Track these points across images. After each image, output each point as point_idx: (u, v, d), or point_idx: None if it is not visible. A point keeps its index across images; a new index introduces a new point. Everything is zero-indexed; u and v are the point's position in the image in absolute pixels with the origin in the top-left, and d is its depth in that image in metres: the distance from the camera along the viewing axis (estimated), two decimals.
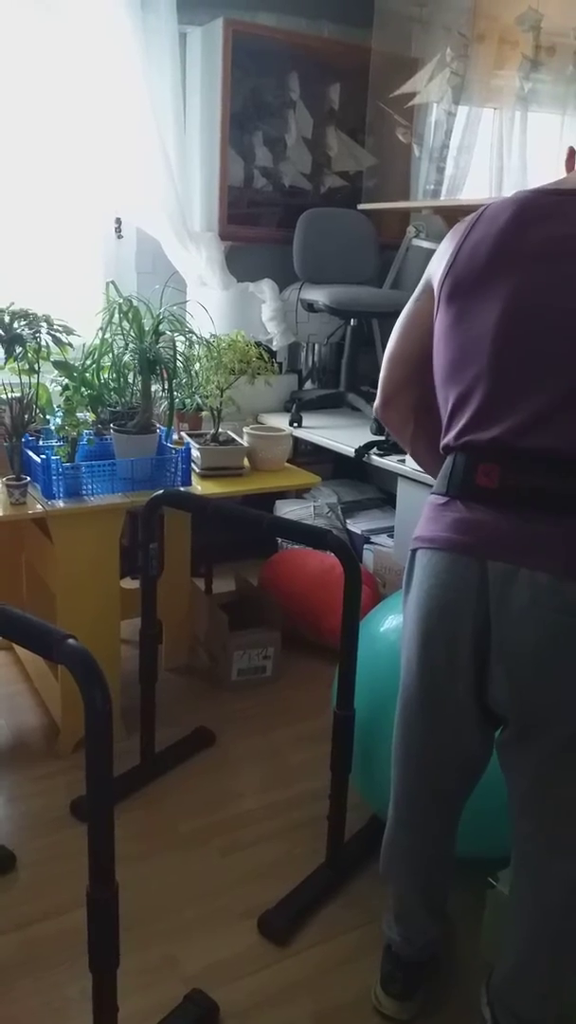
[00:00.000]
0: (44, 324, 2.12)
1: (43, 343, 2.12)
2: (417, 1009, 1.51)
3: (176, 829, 1.98)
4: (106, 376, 2.27)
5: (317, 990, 1.57)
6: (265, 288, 3.27)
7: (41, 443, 2.24)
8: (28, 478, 2.11)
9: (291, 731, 2.39)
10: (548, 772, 1.23)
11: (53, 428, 2.21)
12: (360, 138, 3.49)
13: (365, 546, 3.04)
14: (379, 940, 1.58)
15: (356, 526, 3.14)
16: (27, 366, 2.13)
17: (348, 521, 3.19)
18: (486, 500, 1.20)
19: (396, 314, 1.44)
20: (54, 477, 2.07)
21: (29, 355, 2.12)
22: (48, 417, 2.32)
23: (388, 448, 2.70)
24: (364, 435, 2.87)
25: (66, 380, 2.23)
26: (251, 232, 3.32)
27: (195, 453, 2.40)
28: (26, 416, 2.12)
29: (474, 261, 1.23)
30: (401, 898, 1.50)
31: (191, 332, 2.32)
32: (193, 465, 2.38)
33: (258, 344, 2.52)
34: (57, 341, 2.12)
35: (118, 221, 3.20)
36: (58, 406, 2.25)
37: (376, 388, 1.49)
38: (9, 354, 2.09)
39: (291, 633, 2.74)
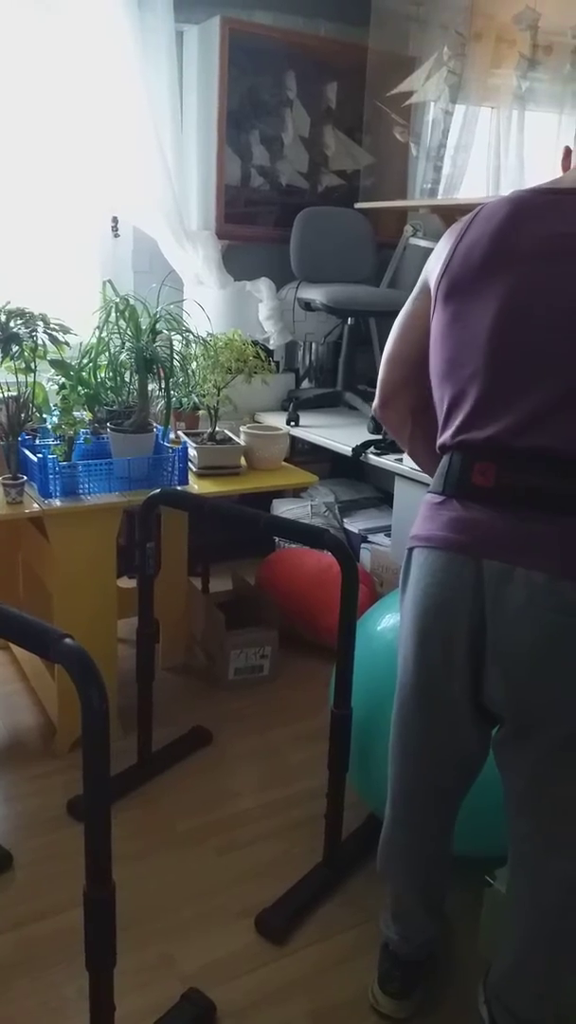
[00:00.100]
0: (40, 323, 2.11)
1: (40, 342, 2.11)
2: (414, 1008, 1.51)
3: (173, 828, 1.98)
4: (103, 375, 2.27)
5: (314, 989, 1.57)
6: (262, 287, 3.27)
7: (38, 442, 2.23)
8: (25, 477, 2.10)
9: (288, 730, 2.39)
10: (545, 771, 1.23)
11: (50, 427, 2.20)
12: (357, 137, 3.49)
13: (362, 545, 3.04)
14: (376, 939, 1.58)
15: (353, 525, 3.14)
16: (23, 365, 2.13)
17: (345, 520, 3.19)
18: (482, 499, 1.20)
19: (393, 313, 1.44)
20: (51, 476, 2.07)
21: (25, 354, 2.11)
22: (45, 416, 2.31)
23: (385, 447, 2.70)
24: (361, 434, 2.87)
25: (63, 379, 2.22)
26: (248, 231, 3.32)
27: (192, 452, 2.40)
28: (23, 415, 2.12)
29: (470, 261, 1.23)
30: (399, 897, 1.50)
31: (188, 331, 2.31)
32: (190, 464, 2.38)
33: (255, 343, 2.51)
34: (54, 340, 2.12)
35: (115, 220, 3.19)
36: (55, 405, 2.25)
37: (373, 387, 1.49)
38: (5, 353, 2.08)
39: (288, 632, 2.74)
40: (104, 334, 2.19)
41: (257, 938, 1.67)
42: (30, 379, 2.16)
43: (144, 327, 2.16)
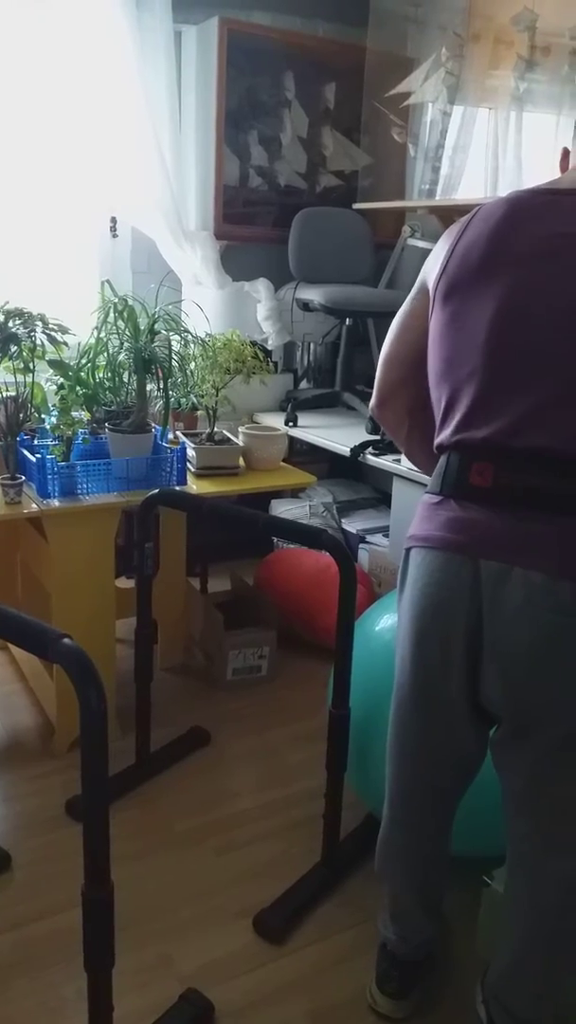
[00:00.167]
0: (39, 323, 2.12)
1: (38, 342, 2.11)
2: (412, 1008, 1.51)
3: (171, 828, 1.98)
4: (101, 375, 2.27)
5: (312, 989, 1.57)
6: (260, 287, 3.27)
7: (36, 442, 2.23)
8: (23, 477, 2.10)
9: (286, 730, 2.39)
10: (543, 771, 1.23)
11: (48, 427, 2.20)
12: (355, 137, 3.49)
13: (360, 545, 3.05)
14: (374, 939, 1.58)
15: (351, 525, 3.14)
16: (22, 365, 2.13)
17: (343, 520, 3.19)
18: (480, 499, 1.20)
19: (392, 314, 1.44)
20: (49, 476, 2.07)
21: (24, 354, 2.12)
22: (43, 416, 2.31)
23: (383, 448, 2.71)
24: (359, 435, 2.87)
25: (61, 379, 2.22)
26: (246, 231, 3.32)
27: (190, 452, 2.40)
28: (21, 415, 2.12)
29: (468, 261, 1.23)
30: (396, 897, 1.50)
31: (186, 331, 2.31)
32: (188, 464, 2.38)
33: (253, 343, 2.51)
34: (52, 340, 2.12)
35: (113, 220, 3.19)
36: (53, 405, 2.25)
37: (371, 387, 1.49)
38: (4, 353, 2.09)
39: (287, 632, 2.74)
40: (103, 334, 2.19)
41: (255, 938, 1.67)
42: (28, 379, 2.16)
43: (142, 327, 2.16)
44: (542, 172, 2.49)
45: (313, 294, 3.13)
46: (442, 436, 1.27)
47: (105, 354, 2.22)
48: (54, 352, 2.14)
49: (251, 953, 1.64)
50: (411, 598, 1.28)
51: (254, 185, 3.32)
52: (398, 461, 2.57)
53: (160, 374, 2.20)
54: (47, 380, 2.30)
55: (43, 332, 2.11)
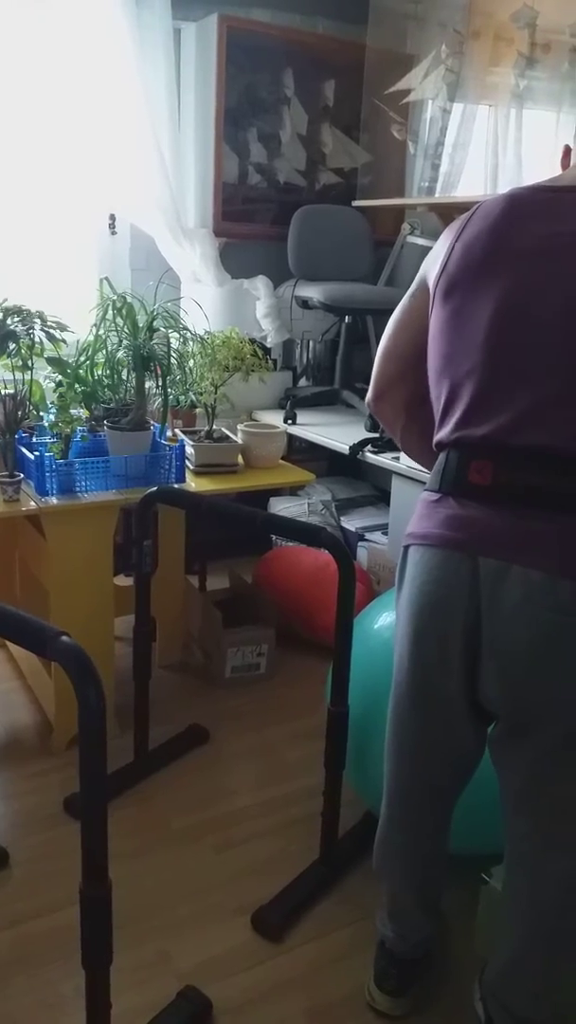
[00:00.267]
0: (38, 320, 2.11)
1: (37, 339, 2.11)
2: (410, 1005, 1.51)
3: (170, 826, 1.98)
4: (100, 373, 2.27)
5: (311, 986, 1.57)
6: (259, 285, 3.27)
7: (35, 440, 2.23)
8: (21, 475, 2.10)
9: (285, 728, 2.39)
10: (542, 770, 1.23)
11: (47, 425, 2.20)
12: (355, 135, 3.49)
13: (359, 543, 3.05)
14: (373, 936, 1.58)
15: (350, 523, 3.14)
16: (20, 362, 2.12)
17: (342, 518, 3.19)
18: (479, 497, 1.20)
19: (391, 311, 1.44)
20: (48, 474, 2.06)
21: (23, 351, 2.11)
22: (42, 414, 2.31)
23: (382, 445, 2.71)
24: (358, 432, 2.87)
25: (60, 376, 2.22)
26: (245, 229, 3.31)
27: (189, 450, 2.40)
28: (19, 412, 2.12)
29: (468, 259, 1.23)
30: (395, 895, 1.50)
31: (185, 329, 2.31)
32: (187, 462, 2.37)
33: (252, 341, 2.51)
34: (51, 337, 2.11)
35: (112, 217, 3.19)
36: (51, 403, 2.24)
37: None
38: (2, 350, 2.08)
39: (285, 630, 2.74)
40: (101, 332, 2.19)
41: (254, 936, 1.67)
42: (27, 376, 2.16)
43: (141, 325, 2.16)
44: (542, 169, 2.49)
45: (312, 292, 3.12)
46: (441, 433, 1.27)
47: (104, 352, 2.22)
48: (53, 349, 2.14)
49: (249, 950, 1.64)
50: (409, 596, 1.28)
51: (253, 182, 3.31)
52: (397, 459, 2.57)
53: (159, 372, 2.20)
54: (45, 377, 2.30)
55: (42, 329, 2.11)
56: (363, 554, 3.02)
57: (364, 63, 3.36)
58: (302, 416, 3.15)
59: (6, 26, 2.79)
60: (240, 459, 2.49)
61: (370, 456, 2.71)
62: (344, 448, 2.81)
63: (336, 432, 2.97)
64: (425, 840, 1.46)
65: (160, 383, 2.22)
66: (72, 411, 2.17)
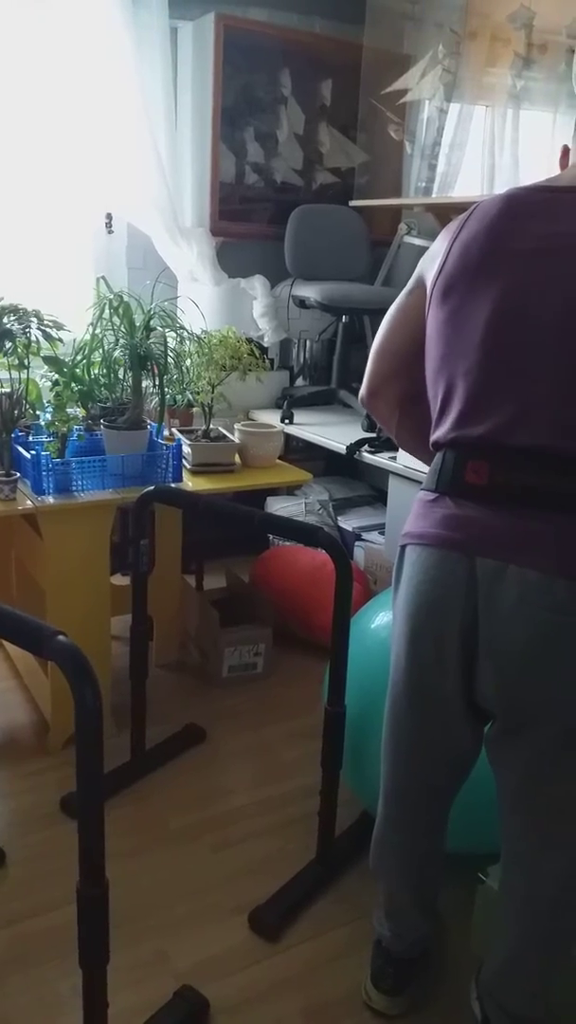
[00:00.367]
0: (34, 319, 2.11)
1: (33, 338, 2.11)
2: (407, 1004, 1.52)
3: (167, 825, 1.98)
4: (96, 372, 2.27)
5: (307, 986, 1.57)
6: (256, 284, 3.27)
7: (31, 439, 2.23)
8: (18, 474, 2.10)
9: (282, 727, 2.39)
10: (538, 769, 1.23)
11: (43, 424, 2.20)
12: (352, 134, 3.49)
13: (356, 543, 3.05)
14: (369, 936, 1.58)
15: (347, 523, 3.15)
16: (17, 361, 2.12)
17: (339, 518, 3.19)
18: (475, 497, 1.20)
19: (387, 311, 1.44)
20: (44, 473, 2.06)
21: (19, 350, 2.11)
22: (38, 413, 2.31)
23: (379, 445, 2.71)
24: (355, 432, 2.87)
25: (56, 375, 2.22)
26: (242, 228, 3.31)
27: (186, 449, 2.40)
28: (16, 411, 2.12)
29: (465, 259, 1.22)
30: (391, 895, 1.50)
31: (182, 328, 2.31)
32: (184, 461, 2.37)
33: (249, 340, 2.51)
34: (47, 336, 2.11)
35: (108, 216, 3.19)
36: (48, 402, 2.24)
37: None
38: None
39: (282, 630, 2.74)
40: (98, 331, 2.19)
41: (250, 935, 1.67)
42: (23, 375, 2.16)
43: (138, 324, 2.16)
44: (539, 170, 2.49)
45: (309, 291, 3.13)
46: (438, 433, 1.27)
47: (100, 350, 2.22)
48: (49, 348, 2.14)
49: (246, 950, 1.64)
50: (406, 595, 1.28)
51: (250, 182, 3.31)
52: (394, 459, 2.58)
53: (156, 371, 2.20)
54: (42, 376, 2.29)
55: (38, 328, 2.10)
56: (360, 554, 3.02)
57: (361, 63, 3.37)
58: (299, 416, 3.15)
59: (4, 25, 2.78)
60: (237, 458, 2.49)
61: (367, 456, 2.72)
62: (341, 448, 2.81)
63: (333, 432, 2.97)
64: (422, 839, 1.46)
65: (157, 382, 2.21)
66: (68, 410, 2.16)
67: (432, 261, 1.30)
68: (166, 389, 2.25)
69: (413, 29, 3.30)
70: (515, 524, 1.16)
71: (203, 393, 2.42)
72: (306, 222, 3.27)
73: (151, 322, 2.18)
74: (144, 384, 2.22)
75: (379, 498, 3.31)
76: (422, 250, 1.39)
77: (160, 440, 2.31)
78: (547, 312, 1.14)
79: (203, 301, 2.80)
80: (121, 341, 2.18)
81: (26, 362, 2.14)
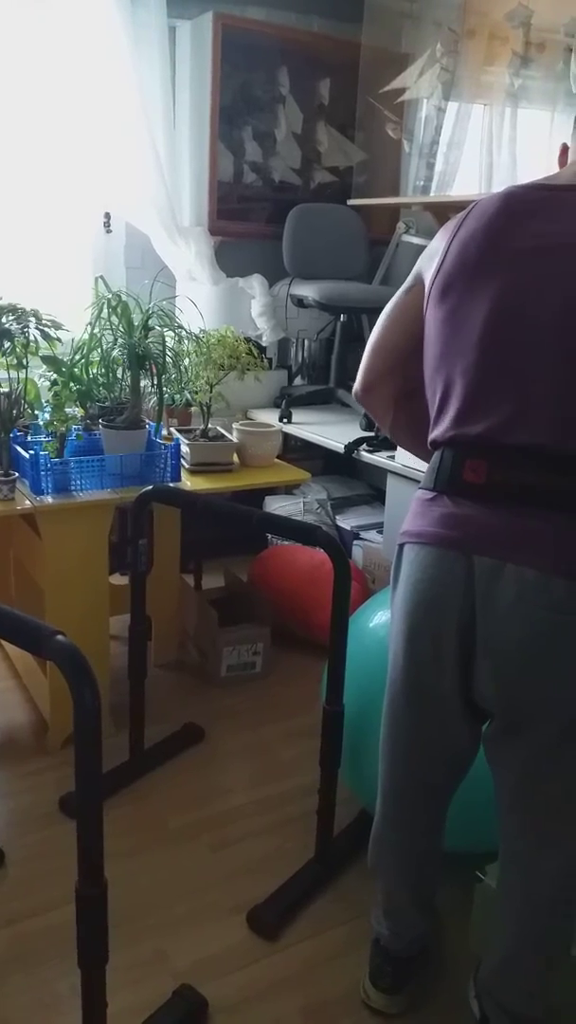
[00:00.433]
0: (32, 319, 2.11)
1: (31, 338, 2.11)
2: (406, 1003, 1.52)
3: (165, 825, 1.98)
4: (95, 371, 2.27)
5: (306, 984, 1.57)
6: (255, 283, 3.27)
7: (29, 438, 2.23)
8: (16, 474, 2.10)
9: (280, 727, 2.39)
10: (536, 768, 1.23)
11: (41, 423, 2.20)
12: (350, 133, 3.49)
13: (354, 542, 3.05)
14: (368, 934, 1.58)
15: (346, 522, 3.15)
16: (15, 361, 2.12)
17: (338, 517, 3.19)
18: (473, 496, 1.20)
19: (384, 307, 1.44)
20: (42, 473, 2.06)
21: (17, 350, 2.11)
22: (36, 412, 2.31)
23: (377, 444, 2.71)
24: (354, 431, 2.87)
25: (55, 375, 2.22)
26: (240, 227, 3.31)
27: (184, 449, 2.40)
28: (14, 411, 2.11)
29: (464, 258, 1.22)
30: (390, 894, 1.51)
31: (180, 327, 2.31)
32: (182, 461, 2.37)
33: (247, 340, 2.51)
34: (45, 336, 2.11)
35: (107, 216, 3.19)
36: (46, 401, 2.24)
37: None
38: None
39: (281, 629, 2.74)
40: (96, 330, 2.19)
41: (249, 934, 1.67)
42: (22, 375, 2.16)
43: (136, 323, 2.16)
44: (537, 168, 2.49)
45: (307, 290, 3.12)
46: (436, 432, 1.27)
47: (99, 350, 2.22)
48: (47, 348, 2.14)
49: (245, 949, 1.64)
50: (404, 594, 1.28)
51: (248, 181, 3.31)
52: (392, 458, 2.58)
53: (154, 370, 2.20)
54: (40, 376, 2.29)
55: (36, 328, 2.10)
56: (358, 553, 3.02)
57: (359, 62, 3.37)
58: (297, 415, 3.15)
59: (3, 25, 2.78)
60: (235, 458, 2.49)
61: (365, 455, 2.72)
62: (339, 447, 2.81)
63: (331, 431, 2.97)
64: (420, 838, 1.46)
65: (155, 382, 2.21)
66: (67, 410, 2.17)
67: (430, 259, 1.30)
68: (164, 388, 2.25)
69: (411, 28, 3.30)
70: (513, 523, 1.16)
71: (201, 392, 2.42)
72: (304, 221, 3.27)
73: (149, 321, 2.18)
74: (142, 384, 2.22)
75: (377, 497, 3.31)
76: (420, 249, 1.39)
77: (158, 440, 2.31)
78: (545, 311, 1.14)
79: (201, 300, 2.80)
80: (119, 341, 2.18)
81: (24, 362, 2.14)
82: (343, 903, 1.76)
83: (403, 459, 2.50)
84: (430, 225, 3.20)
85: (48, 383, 2.26)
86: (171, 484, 2.25)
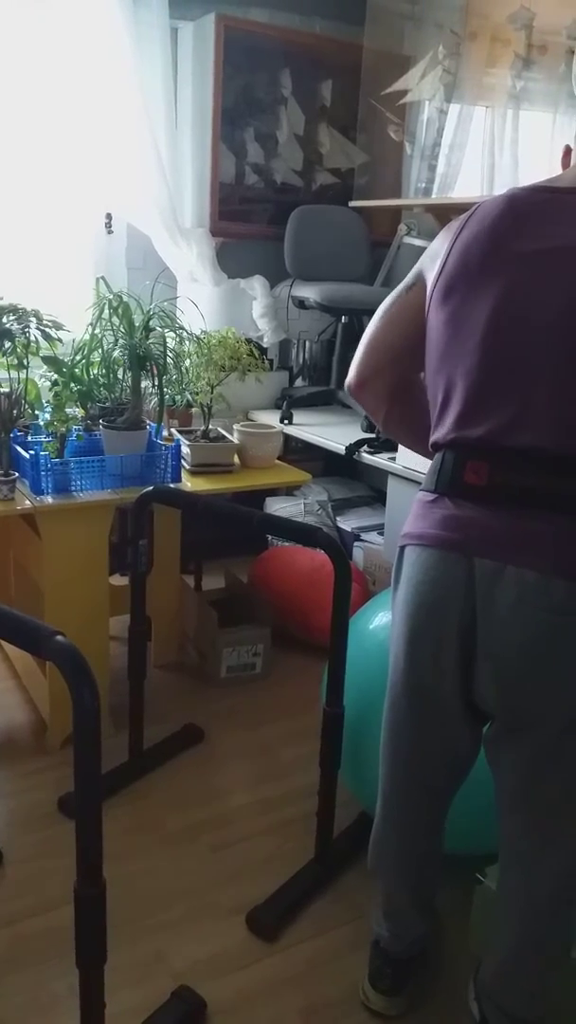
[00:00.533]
0: (33, 319, 2.11)
1: (32, 338, 2.11)
2: (405, 1005, 1.52)
3: (164, 826, 1.97)
4: (96, 372, 2.27)
5: (305, 986, 1.57)
6: (256, 285, 3.27)
7: (30, 439, 2.23)
8: (16, 474, 2.10)
9: (280, 728, 2.39)
10: (537, 769, 1.23)
11: (42, 424, 2.20)
12: (352, 135, 3.49)
13: (355, 543, 3.05)
14: (367, 936, 1.58)
15: (346, 523, 3.15)
16: (16, 361, 2.12)
17: (338, 518, 3.19)
18: (475, 498, 1.20)
19: (382, 304, 1.43)
20: (43, 473, 2.06)
21: (18, 350, 2.11)
22: (37, 412, 2.31)
23: (378, 446, 2.71)
24: (355, 432, 2.87)
25: (55, 375, 2.22)
26: (242, 228, 3.31)
27: (185, 450, 2.40)
28: (15, 411, 2.12)
29: (466, 260, 1.22)
30: (390, 895, 1.50)
31: (181, 328, 2.31)
32: (183, 461, 2.37)
33: (249, 341, 2.51)
34: (46, 336, 2.11)
35: (108, 216, 3.19)
36: (47, 401, 2.24)
37: None
38: None
39: (281, 630, 2.74)
40: (97, 331, 2.19)
41: (248, 935, 1.67)
42: (22, 375, 2.16)
43: (137, 324, 2.16)
44: (538, 170, 2.49)
45: (309, 292, 3.13)
46: (437, 434, 1.27)
47: (100, 351, 2.22)
48: (48, 348, 2.14)
49: (244, 950, 1.64)
50: (405, 596, 1.28)
51: (250, 182, 3.31)
52: (393, 459, 2.58)
53: (155, 371, 2.20)
54: (41, 376, 2.30)
55: (37, 328, 2.11)
56: (359, 554, 3.02)
57: (361, 64, 3.37)
58: (298, 416, 3.15)
59: (4, 25, 2.78)
60: (236, 459, 2.49)
61: (366, 456, 2.72)
62: (340, 448, 2.81)
63: (332, 432, 2.97)
64: (420, 840, 1.46)
65: (156, 382, 2.21)
66: (67, 410, 2.17)
67: (432, 260, 1.30)
68: (165, 389, 2.25)
69: (413, 30, 3.31)
70: (514, 525, 1.16)
71: (202, 393, 2.42)
72: (306, 223, 3.27)
73: (150, 322, 2.18)
74: (143, 384, 2.23)
75: (378, 498, 3.31)
76: (421, 251, 1.39)
77: (159, 440, 2.31)
78: (548, 313, 1.14)
79: (202, 301, 2.80)
80: (120, 341, 2.18)
81: (25, 362, 2.14)
82: (343, 904, 1.76)
83: (404, 461, 2.50)
84: (432, 227, 3.20)
85: (49, 383, 2.26)
86: (171, 485, 2.25)
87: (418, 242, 3.24)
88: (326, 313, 3.22)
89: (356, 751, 1.77)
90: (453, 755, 1.35)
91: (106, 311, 2.16)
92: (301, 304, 3.22)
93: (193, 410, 2.64)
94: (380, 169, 3.51)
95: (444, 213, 3.06)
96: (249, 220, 3.33)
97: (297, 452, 3.23)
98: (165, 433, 2.40)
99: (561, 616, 1.13)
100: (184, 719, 2.35)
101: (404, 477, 2.50)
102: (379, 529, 3.01)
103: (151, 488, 2.04)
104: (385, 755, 1.42)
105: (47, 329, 2.11)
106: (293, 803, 2.05)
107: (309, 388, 3.41)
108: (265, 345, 3.28)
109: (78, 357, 2.22)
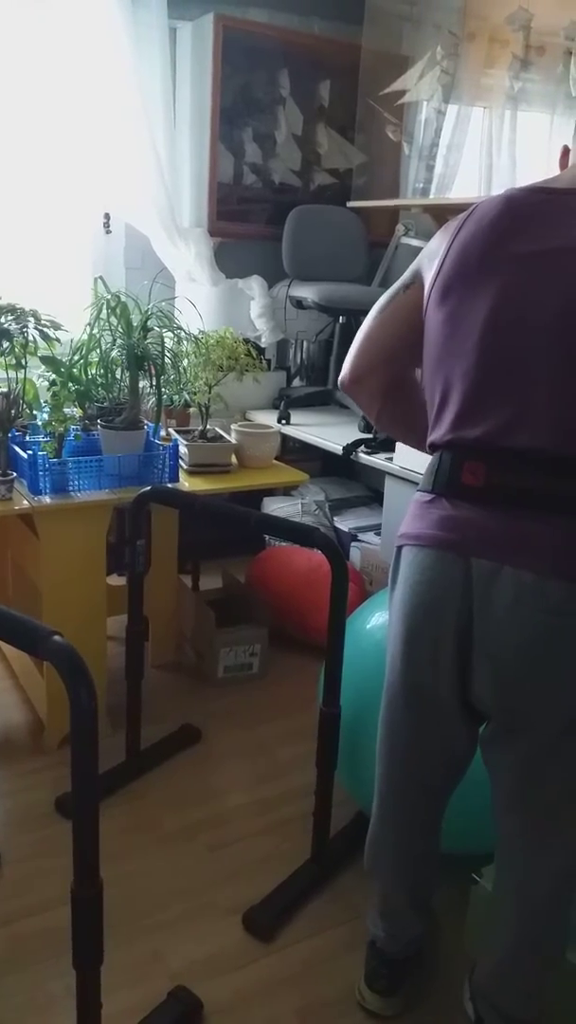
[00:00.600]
0: (31, 319, 2.11)
1: (30, 338, 2.11)
2: (402, 1005, 1.52)
3: (162, 825, 1.98)
4: (94, 372, 2.27)
5: (302, 986, 1.57)
6: (254, 285, 3.27)
7: (28, 438, 2.23)
8: (14, 473, 2.10)
9: (277, 728, 2.39)
10: (533, 769, 1.23)
11: (40, 423, 2.20)
12: (350, 135, 3.49)
13: (352, 544, 3.05)
14: (364, 936, 1.58)
15: (343, 524, 3.15)
16: (14, 361, 2.12)
17: (335, 519, 3.19)
18: (472, 498, 1.20)
19: (378, 301, 1.43)
20: (41, 473, 2.06)
21: (16, 350, 2.11)
22: (35, 412, 2.31)
23: (376, 446, 2.71)
24: (352, 433, 2.87)
25: (53, 375, 2.22)
26: (240, 228, 3.31)
27: (183, 449, 2.40)
28: (13, 411, 2.11)
29: (464, 260, 1.23)
30: (386, 895, 1.51)
31: (179, 328, 2.31)
32: (181, 461, 2.37)
33: (246, 341, 2.51)
34: (44, 336, 2.11)
35: (107, 216, 3.19)
36: (45, 401, 2.24)
37: None
38: None
39: (278, 630, 2.74)
40: (95, 331, 2.19)
41: (245, 935, 1.67)
42: (20, 375, 2.16)
43: (135, 324, 2.16)
44: (536, 171, 2.49)
45: (307, 292, 3.13)
46: (435, 435, 1.27)
47: (98, 350, 2.22)
48: (46, 348, 2.14)
49: (241, 950, 1.64)
50: (402, 596, 1.28)
51: (248, 182, 3.31)
52: (390, 460, 2.58)
53: (153, 371, 2.20)
54: (39, 376, 2.29)
55: (35, 328, 2.11)
56: (356, 554, 3.02)
57: (360, 64, 3.37)
58: (296, 416, 3.15)
59: (2, 25, 2.78)
60: (234, 459, 2.50)
61: (363, 457, 2.72)
62: (338, 448, 2.81)
63: (330, 432, 2.97)
64: (417, 840, 1.46)
65: (154, 382, 2.21)
66: (65, 410, 2.16)
67: (430, 260, 1.30)
68: (163, 389, 2.25)
69: (411, 30, 3.31)
70: (511, 526, 1.16)
71: (200, 393, 2.42)
72: (304, 223, 3.27)
73: (148, 322, 2.18)
74: (141, 384, 2.23)
75: (375, 499, 3.31)
76: (419, 251, 1.39)
77: (157, 440, 2.31)
78: (545, 314, 1.14)
79: (200, 301, 2.80)
80: (118, 341, 2.18)
81: (23, 362, 2.14)
82: (339, 904, 1.76)
83: (401, 461, 2.50)
84: (429, 227, 3.21)
85: (47, 383, 2.25)
86: (169, 485, 2.25)
87: (416, 242, 3.25)
88: (324, 313, 3.23)
89: (353, 751, 1.77)
90: (450, 755, 1.36)
91: (104, 311, 2.16)
92: (299, 304, 3.22)
93: (191, 410, 2.64)
94: (378, 169, 3.51)
95: (442, 213, 3.06)
96: (247, 220, 3.33)
97: (294, 452, 3.23)
98: (163, 433, 2.41)
99: (558, 617, 1.13)
100: (181, 719, 2.36)
101: (401, 477, 2.50)
102: (376, 529, 3.01)
103: (149, 488, 2.04)
104: (382, 755, 1.43)
105: (45, 329, 2.11)
106: (290, 803, 2.05)
107: (307, 388, 3.41)
108: (263, 345, 3.28)
109: (76, 357, 2.22)
